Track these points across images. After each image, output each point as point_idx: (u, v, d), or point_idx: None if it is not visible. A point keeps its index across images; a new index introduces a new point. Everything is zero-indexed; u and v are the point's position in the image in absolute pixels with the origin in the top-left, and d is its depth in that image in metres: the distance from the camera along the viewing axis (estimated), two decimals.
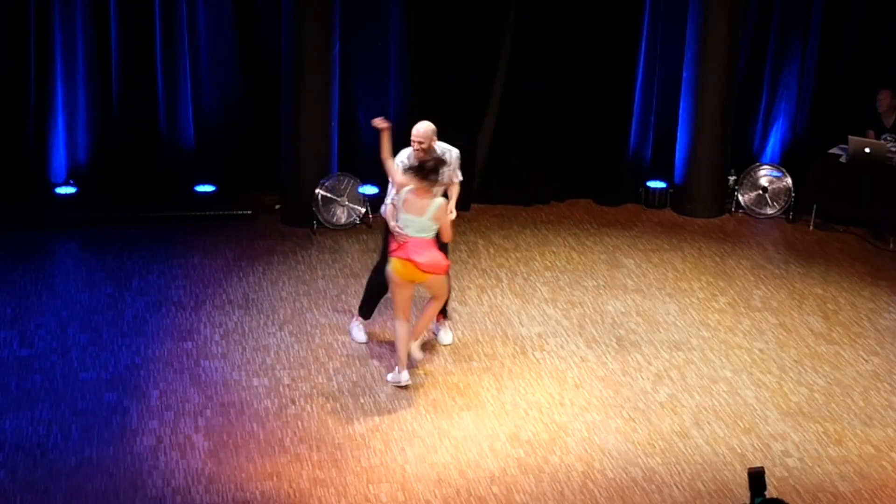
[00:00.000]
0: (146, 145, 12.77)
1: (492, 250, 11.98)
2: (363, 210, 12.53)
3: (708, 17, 12.80)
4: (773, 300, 11.13)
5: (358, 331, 9.97)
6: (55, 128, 12.49)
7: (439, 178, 9.11)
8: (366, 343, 9.88)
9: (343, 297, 10.82)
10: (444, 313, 9.92)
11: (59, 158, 12.59)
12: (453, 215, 9.46)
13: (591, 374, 9.60)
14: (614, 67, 13.28)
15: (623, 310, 10.80)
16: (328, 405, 8.95)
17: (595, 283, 11.35)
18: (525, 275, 11.48)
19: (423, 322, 9.44)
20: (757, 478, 5.77)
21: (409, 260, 8.99)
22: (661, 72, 13.38)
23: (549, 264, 11.76)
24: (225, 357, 9.65)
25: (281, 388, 9.16)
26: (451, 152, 9.64)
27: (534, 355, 9.87)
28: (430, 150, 9.31)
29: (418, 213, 8.98)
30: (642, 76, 13.39)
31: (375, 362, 9.63)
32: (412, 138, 9.33)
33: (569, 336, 10.23)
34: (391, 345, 9.77)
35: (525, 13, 12.97)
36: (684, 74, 13.08)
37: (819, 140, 13.33)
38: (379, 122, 9.43)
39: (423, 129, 9.37)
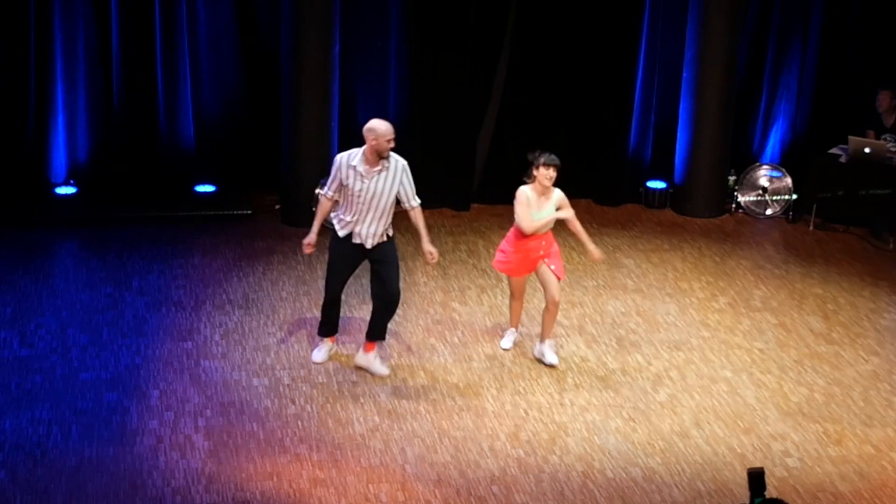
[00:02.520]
0: (146, 145, 12.77)
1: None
2: None
3: (708, 17, 12.80)
4: (773, 300, 11.13)
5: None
6: (55, 128, 12.49)
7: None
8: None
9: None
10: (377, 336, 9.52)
11: (59, 158, 12.59)
12: (434, 258, 9.31)
13: (591, 374, 9.60)
14: (614, 67, 13.28)
15: (623, 310, 10.79)
16: (328, 405, 8.95)
17: (595, 283, 11.35)
18: None
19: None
20: (757, 478, 5.77)
21: None
22: (661, 72, 13.38)
23: None
24: (225, 357, 9.64)
25: (281, 388, 9.16)
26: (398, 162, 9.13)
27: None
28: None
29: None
30: (642, 76, 13.38)
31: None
32: (391, 138, 8.96)
33: (569, 336, 10.23)
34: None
35: (525, 13, 12.97)
36: (684, 74, 13.08)
37: (819, 140, 13.33)
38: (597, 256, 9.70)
39: (388, 126, 9.02)
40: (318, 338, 9.68)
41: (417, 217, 9.26)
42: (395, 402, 9.04)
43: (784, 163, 13.57)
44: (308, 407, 8.92)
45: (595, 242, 12.25)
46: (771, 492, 7.30)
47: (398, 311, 10.50)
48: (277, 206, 12.73)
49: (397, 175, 9.06)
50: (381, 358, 9.50)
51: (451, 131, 12.98)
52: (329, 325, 9.59)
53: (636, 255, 12.10)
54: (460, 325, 10.33)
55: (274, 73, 12.52)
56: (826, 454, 8.58)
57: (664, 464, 8.39)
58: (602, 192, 13.57)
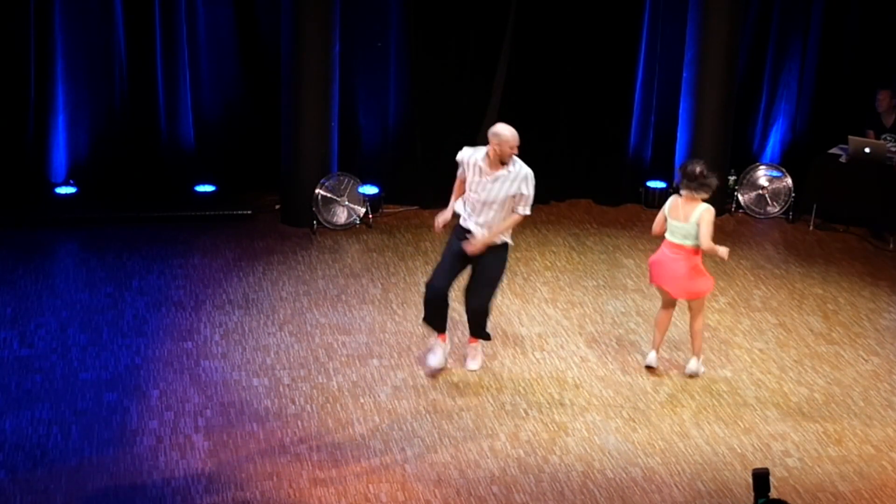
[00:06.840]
0: (146, 145, 12.77)
1: None
2: (363, 210, 12.54)
3: (708, 17, 12.80)
4: (773, 300, 11.13)
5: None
6: (55, 127, 12.49)
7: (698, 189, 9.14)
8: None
9: (343, 297, 10.83)
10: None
11: (59, 158, 12.59)
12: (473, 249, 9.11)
13: (591, 374, 9.60)
14: (614, 67, 13.29)
15: (623, 310, 10.80)
16: (328, 405, 8.95)
17: (595, 283, 11.35)
18: (525, 275, 11.49)
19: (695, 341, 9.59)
20: (761, 479, 5.77)
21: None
22: (661, 72, 13.38)
23: (549, 264, 11.76)
24: (225, 357, 9.65)
25: (281, 388, 9.16)
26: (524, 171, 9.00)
27: (534, 355, 9.87)
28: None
29: (684, 219, 9.20)
30: (642, 76, 13.39)
31: (375, 362, 9.63)
32: (514, 145, 8.85)
33: (569, 336, 10.23)
34: (391, 345, 9.82)
35: (525, 13, 12.97)
36: (684, 74, 13.08)
37: (819, 140, 13.34)
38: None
39: (513, 133, 8.90)
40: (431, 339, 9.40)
41: (509, 219, 9.07)
42: (395, 402, 9.04)
43: (784, 163, 13.57)
44: (308, 407, 8.92)
45: (595, 242, 12.39)
46: (771, 492, 7.30)
47: (398, 311, 10.55)
48: (277, 206, 12.73)
49: (516, 182, 8.92)
50: (473, 355, 9.51)
51: (451, 131, 12.98)
52: (433, 321, 9.34)
53: (636, 255, 12.10)
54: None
55: (274, 73, 12.53)
56: (826, 454, 8.58)
57: (664, 464, 8.39)
58: (602, 191, 13.57)
